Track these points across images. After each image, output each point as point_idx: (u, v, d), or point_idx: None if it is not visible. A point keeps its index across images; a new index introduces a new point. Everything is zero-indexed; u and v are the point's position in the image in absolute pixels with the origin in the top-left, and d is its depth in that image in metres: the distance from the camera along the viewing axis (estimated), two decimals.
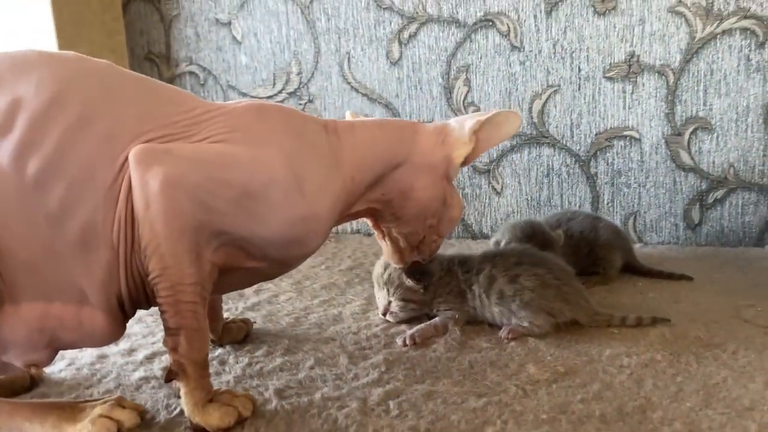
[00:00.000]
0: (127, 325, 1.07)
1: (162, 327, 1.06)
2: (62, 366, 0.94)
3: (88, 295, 0.73)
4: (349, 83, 1.62)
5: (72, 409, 0.74)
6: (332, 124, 0.88)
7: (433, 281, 1.01)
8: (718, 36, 1.36)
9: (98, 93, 0.73)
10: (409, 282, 1.00)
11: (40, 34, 1.58)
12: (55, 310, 0.72)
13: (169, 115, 0.76)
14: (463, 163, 0.95)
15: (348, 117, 1.01)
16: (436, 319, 1.00)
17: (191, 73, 1.73)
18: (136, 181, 0.71)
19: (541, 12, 1.46)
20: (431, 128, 0.94)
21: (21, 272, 0.70)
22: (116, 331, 0.77)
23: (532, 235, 1.13)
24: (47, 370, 0.93)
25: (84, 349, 1.00)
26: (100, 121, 0.72)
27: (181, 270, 0.72)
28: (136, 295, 0.76)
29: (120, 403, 0.75)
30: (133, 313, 0.79)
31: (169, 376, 0.76)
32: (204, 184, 0.73)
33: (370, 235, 1.64)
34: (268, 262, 0.81)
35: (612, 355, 0.88)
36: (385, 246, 0.99)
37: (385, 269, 1.04)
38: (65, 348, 0.77)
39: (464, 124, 0.93)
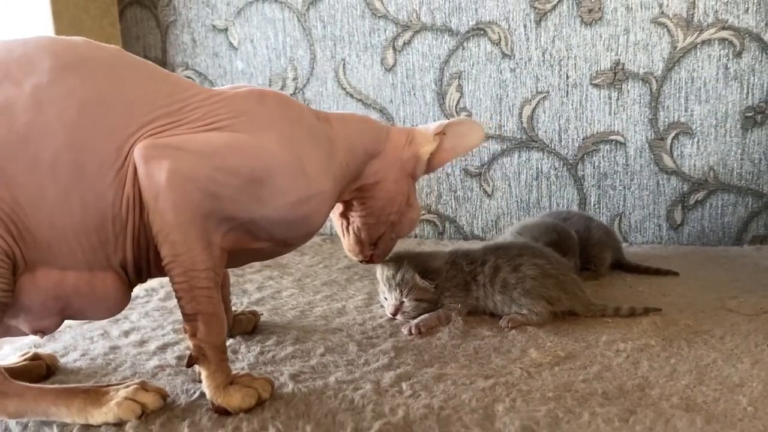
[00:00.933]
0: (135, 319, 1.11)
1: (169, 321, 1.09)
2: (76, 356, 0.96)
3: (99, 262, 0.77)
4: (344, 89, 1.67)
5: (96, 393, 0.76)
6: (323, 114, 0.94)
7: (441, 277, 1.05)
8: (698, 46, 1.44)
9: (106, 78, 0.76)
10: (423, 283, 1.04)
11: None
12: (70, 277, 0.76)
13: (173, 101, 0.79)
14: (428, 169, 1.03)
15: None
16: (440, 310, 1.04)
17: (187, 78, 1.76)
18: (143, 175, 0.74)
19: (530, 22, 1.52)
20: (400, 128, 1.03)
21: (37, 245, 0.74)
22: (124, 298, 0.81)
23: (557, 240, 1.17)
24: (62, 360, 0.95)
25: (96, 340, 1.02)
26: (107, 107, 0.75)
27: (192, 256, 0.76)
28: (140, 263, 0.80)
29: (143, 386, 0.77)
30: (137, 282, 0.83)
31: (190, 361, 0.79)
32: (212, 175, 0.76)
33: None
34: (273, 242, 0.85)
35: (608, 341, 0.93)
36: (346, 238, 1.05)
37: (396, 272, 1.06)
38: (73, 316, 0.81)
39: (429, 126, 1.02)
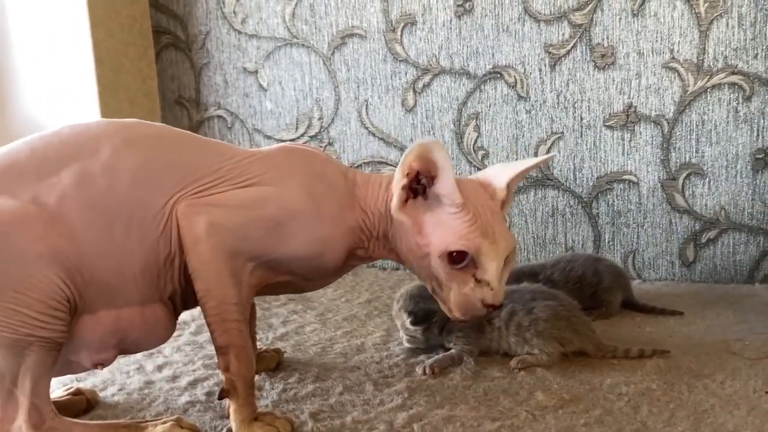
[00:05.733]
0: (168, 354, 1.19)
1: (200, 355, 1.16)
2: (114, 390, 1.04)
3: (151, 296, 0.89)
4: (366, 128, 1.74)
5: (136, 428, 0.84)
6: (352, 175, 1.01)
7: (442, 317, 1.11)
8: (708, 90, 1.48)
9: (154, 149, 0.90)
10: (409, 327, 1.12)
11: (82, 80, 1.71)
12: (125, 313, 0.88)
13: (212, 164, 0.92)
14: None
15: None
16: (452, 351, 1.10)
17: (219, 117, 1.86)
18: (184, 228, 0.87)
19: (545, 66, 1.59)
20: (389, 182, 1.00)
21: (100, 288, 0.85)
22: (170, 325, 0.93)
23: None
24: (101, 393, 1.03)
25: (132, 374, 1.10)
26: (156, 172, 0.88)
27: (224, 290, 0.87)
28: (186, 293, 0.91)
29: (178, 423, 0.85)
30: (183, 310, 0.95)
31: (222, 394, 0.91)
32: (242, 222, 0.89)
33: (385, 269, 1.74)
34: (294, 276, 0.96)
35: (612, 384, 0.98)
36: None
37: (397, 305, 1.15)
38: (128, 347, 0.92)
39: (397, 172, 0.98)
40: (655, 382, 0.98)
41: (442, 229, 0.92)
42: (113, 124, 0.92)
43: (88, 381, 1.07)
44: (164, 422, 0.85)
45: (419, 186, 0.94)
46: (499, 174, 1.00)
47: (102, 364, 0.89)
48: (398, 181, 0.93)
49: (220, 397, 0.93)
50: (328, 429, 0.88)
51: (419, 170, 0.93)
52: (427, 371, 1.05)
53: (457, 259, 0.92)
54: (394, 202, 0.94)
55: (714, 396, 0.94)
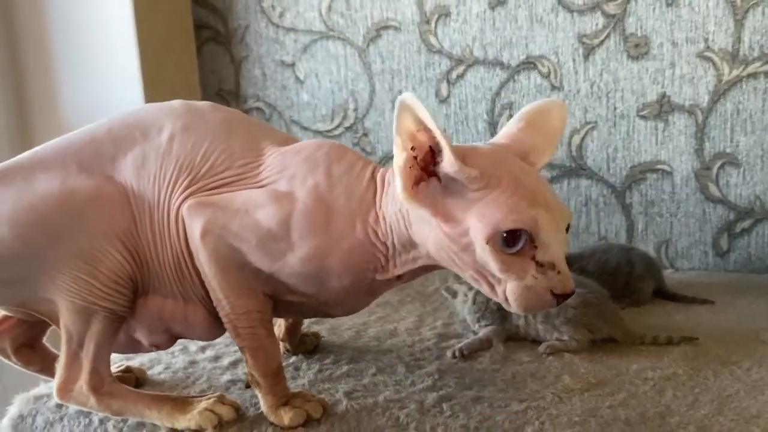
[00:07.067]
0: None
1: None
2: (160, 369, 1.10)
3: (188, 294, 0.90)
4: None
5: (183, 402, 0.90)
6: (381, 174, 0.85)
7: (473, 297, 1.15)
8: (743, 79, 1.48)
9: (203, 139, 0.89)
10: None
11: (127, 75, 1.78)
12: (168, 304, 0.91)
13: (243, 157, 0.88)
14: None
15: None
16: (480, 334, 1.13)
17: (258, 108, 1.91)
18: (188, 230, 0.86)
19: (579, 56, 1.60)
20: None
21: (150, 273, 0.89)
22: (213, 328, 0.93)
23: None
24: (149, 372, 1.09)
25: (176, 354, 1.16)
26: (191, 164, 0.88)
27: (230, 302, 0.86)
28: None
29: (221, 399, 0.90)
30: None
31: (248, 383, 0.95)
32: (237, 231, 0.83)
33: None
34: (307, 298, 0.88)
35: (638, 369, 1.00)
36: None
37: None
38: (178, 335, 0.95)
39: None
40: (681, 367, 1.00)
41: (481, 207, 0.74)
42: (184, 106, 0.92)
43: (136, 359, 1.13)
44: (208, 398, 0.90)
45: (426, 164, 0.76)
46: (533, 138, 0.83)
47: (157, 346, 0.95)
48: (399, 156, 0.74)
49: (247, 386, 0.97)
50: (361, 407, 0.92)
51: (430, 144, 0.74)
52: (457, 354, 1.08)
53: (510, 240, 0.73)
54: (398, 183, 0.75)
55: (739, 381, 0.95)
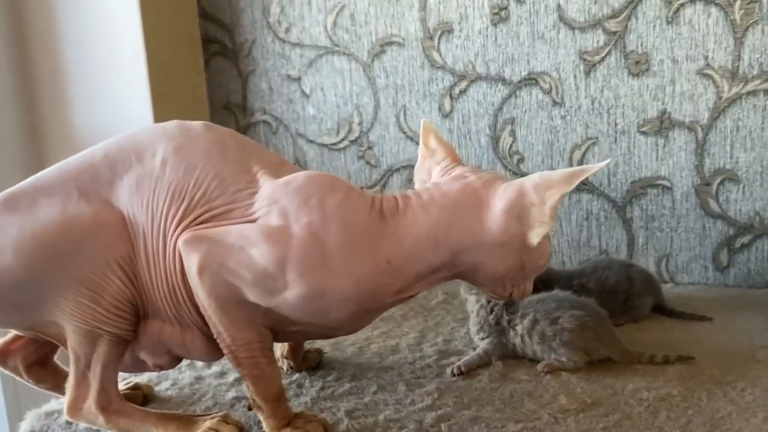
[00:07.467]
0: None
1: None
2: (167, 385, 1.13)
3: (183, 319, 0.92)
4: (404, 132, 1.80)
5: (188, 421, 0.92)
6: (379, 203, 0.87)
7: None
8: (743, 96, 1.49)
9: (195, 163, 0.89)
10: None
11: (136, 90, 1.81)
12: (167, 328, 0.93)
13: (236, 183, 0.89)
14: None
15: (423, 128, 1.07)
16: (479, 349, 1.15)
17: (264, 122, 1.94)
18: (185, 263, 0.87)
19: (580, 72, 1.62)
20: (502, 207, 0.85)
21: (149, 297, 0.91)
22: (210, 351, 0.94)
23: None
24: (156, 387, 1.12)
25: (183, 370, 1.19)
26: (183, 191, 0.89)
27: (231, 335, 0.88)
28: None
29: (225, 419, 0.92)
30: None
31: (250, 406, 0.97)
32: (227, 267, 0.84)
33: None
34: (309, 326, 0.90)
35: (634, 389, 1.02)
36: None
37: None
38: (180, 357, 0.97)
39: (545, 197, 0.83)
40: (676, 388, 1.02)
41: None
42: (177, 128, 0.93)
43: (144, 376, 1.16)
44: (212, 418, 0.93)
45: None
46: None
47: (161, 367, 0.98)
48: (549, 226, 0.85)
49: (249, 409, 0.99)
50: (361, 426, 0.95)
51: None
52: (456, 372, 1.10)
53: None
54: (540, 231, 0.84)
55: (732, 403, 0.97)
